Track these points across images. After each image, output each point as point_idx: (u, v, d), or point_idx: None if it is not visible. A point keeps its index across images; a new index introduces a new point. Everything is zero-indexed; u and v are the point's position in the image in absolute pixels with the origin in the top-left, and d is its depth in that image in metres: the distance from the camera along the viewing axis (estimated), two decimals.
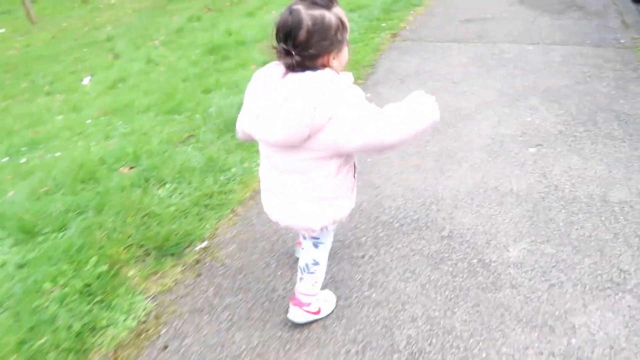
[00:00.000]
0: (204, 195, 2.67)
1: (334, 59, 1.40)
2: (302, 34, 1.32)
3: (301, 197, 1.55)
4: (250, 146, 3.06)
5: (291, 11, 1.34)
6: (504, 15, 5.52)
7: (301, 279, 1.80)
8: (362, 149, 1.43)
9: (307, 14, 1.32)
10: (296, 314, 1.83)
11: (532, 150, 2.91)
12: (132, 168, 3.03)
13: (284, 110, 1.36)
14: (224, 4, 9.50)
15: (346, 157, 1.53)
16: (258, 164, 2.18)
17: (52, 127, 4.44)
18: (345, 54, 1.45)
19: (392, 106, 1.50)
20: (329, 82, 1.36)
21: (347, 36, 1.43)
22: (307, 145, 1.42)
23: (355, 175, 1.67)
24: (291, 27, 1.33)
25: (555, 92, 3.57)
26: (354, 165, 1.64)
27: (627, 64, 3.91)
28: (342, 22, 1.37)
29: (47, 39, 9.78)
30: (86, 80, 6.35)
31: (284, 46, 1.34)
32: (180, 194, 2.71)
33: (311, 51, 1.35)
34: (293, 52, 1.34)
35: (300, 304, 1.81)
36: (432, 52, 4.62)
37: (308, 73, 1.38)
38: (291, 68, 1.39)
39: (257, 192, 2.65)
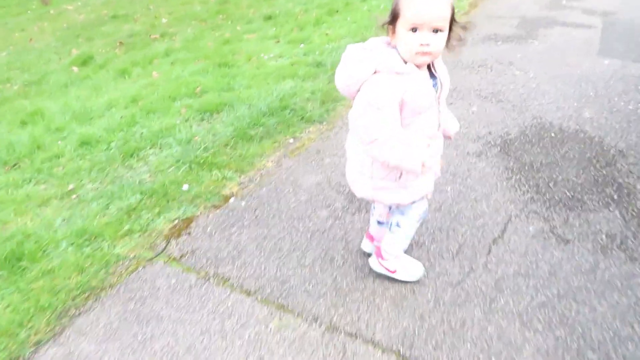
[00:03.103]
0: None
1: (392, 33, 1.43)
2: None
3: (354, 166, 1.68)
4: None
5: None
6: (458, 184, 2.47)
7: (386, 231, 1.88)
8: (358, 135, 1.52)
9: None
10: (373, 262, 1.93)
11: None
12: None
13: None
14: (146, 37, 6.79)
15: None
16: None
17: None
18: (398, 35, 1.40)
19: (397, 128, 1.47)
20: (373, 56, 1.43)
21: (399, 22, 1.38)
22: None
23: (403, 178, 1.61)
24: None
25: None
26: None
27: None
28: (396, 3, 1.38)
29: None
30: None
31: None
32: None
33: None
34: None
35: (379, 255, 1.91)
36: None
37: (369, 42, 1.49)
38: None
39: None
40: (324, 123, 3.19)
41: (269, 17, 6.81)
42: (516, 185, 2.51)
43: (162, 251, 2.11)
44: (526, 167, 2.66)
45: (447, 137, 1.75)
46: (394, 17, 1.40)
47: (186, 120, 3.31)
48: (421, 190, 1.69)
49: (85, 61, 5.89)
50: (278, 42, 5.27)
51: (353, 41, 4.83)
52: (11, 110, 4.34)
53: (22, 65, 6.18)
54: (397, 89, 1.42)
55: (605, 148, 2.82)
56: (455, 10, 1.42)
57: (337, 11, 6.46)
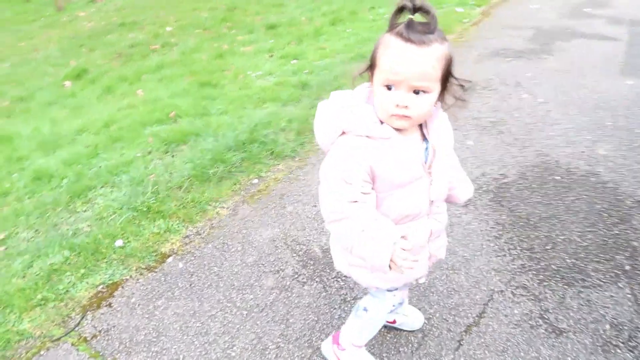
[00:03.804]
0: None
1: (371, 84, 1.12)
2: None
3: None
4: None
5: None
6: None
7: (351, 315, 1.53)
8: (322, 209, 1.17)
9: None
10: (326, 346, 1.59)
11: None
12: None
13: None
14: (146, 48, 6.56)
15: None
16: None
17: None
18: (374, 89, 1.08)
19: (374, 211, 1.12)
20: (342, 112, 1.11)
21: (375, 73, 1.06)
22: None
23: None
24: None
25: None
26: None
27: None
28: (376, 47, 1.06)
29: None
30: None
31: None
32: None
33: None
34: None
35: (336, 341, 1.55)
36: None
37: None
38: None
39: None
40: (296, 158, 2.83)
41: (272, 27, 6.49)
42: (505, 248, 2.09)
43: (73, 328, 1.80)
44: (521, 223, 2.23)
45: (452, 202, 1.34)
46: (371, 64, 1.08)
47: (149, 153, 3.00)
48: (409, 275, 1.30)
49: (79, 75, 5.70)
50: (272, 56, 4.93)
51: (347, 58, 4.47)
52: None
53: (19, 78, 6.04)
54: (366, 156, 1.07)
55: (619, 197, 2.37)
56: (453, 61, 1.05)
57: (341, 20, 6.08)
